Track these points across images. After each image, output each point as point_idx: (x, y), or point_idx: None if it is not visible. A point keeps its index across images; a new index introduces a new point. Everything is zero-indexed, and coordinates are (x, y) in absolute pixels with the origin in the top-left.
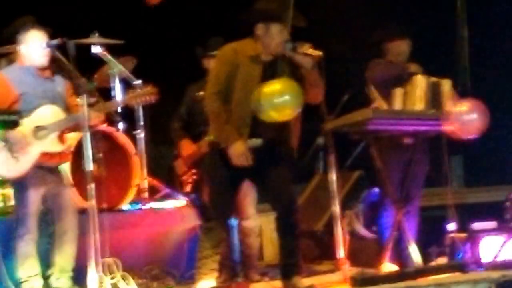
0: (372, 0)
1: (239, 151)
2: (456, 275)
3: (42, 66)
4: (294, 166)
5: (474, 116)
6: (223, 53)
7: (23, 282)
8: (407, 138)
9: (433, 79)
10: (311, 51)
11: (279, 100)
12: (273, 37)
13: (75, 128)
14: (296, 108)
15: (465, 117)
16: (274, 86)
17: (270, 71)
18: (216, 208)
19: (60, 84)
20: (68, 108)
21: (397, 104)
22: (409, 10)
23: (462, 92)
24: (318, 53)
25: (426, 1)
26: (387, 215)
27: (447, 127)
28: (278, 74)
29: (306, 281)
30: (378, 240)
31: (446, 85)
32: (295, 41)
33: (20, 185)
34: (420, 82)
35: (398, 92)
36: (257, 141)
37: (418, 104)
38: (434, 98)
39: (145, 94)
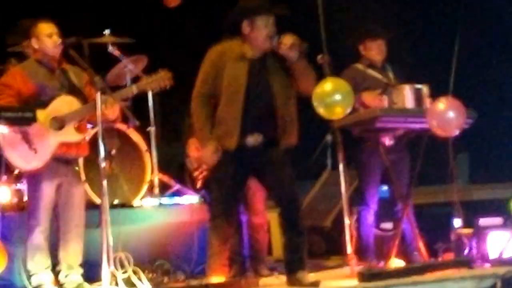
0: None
1: (207, 154)
2: (462, 271)
3: (55, 58)
4: (300, 163)
5: (451, 114)
6: (209, 55)
7: (32, 275)
8: (389, 140)
9: (416, 86)
10: (294, 42)
11: (330, 99)
12: (260, 31)
13: (93, 118)
14: (347, 106)
15: (443, 115)
16: (325, 86)
17: (258, 68)
18: (221, 206)
19: (77, 75)
20: (85, 99)
21: None
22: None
23: (443, 90)
24: (303, 44)
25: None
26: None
27: (431, 125)
28: (267, 70)
29: (313, 276)
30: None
31: (425, 89)
32: (279, 34)
33: (34, 177)
34: (408, 91)
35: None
36: (258, 138)
37: None
38: (419, 103)
39: (159, 79)
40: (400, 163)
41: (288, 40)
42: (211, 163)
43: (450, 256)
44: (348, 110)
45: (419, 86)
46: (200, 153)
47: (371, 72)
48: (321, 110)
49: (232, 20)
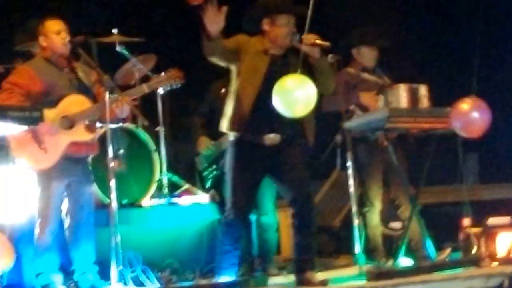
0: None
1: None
2: (471, 270)
3: (64, 55)
4: (310, 163)
5: (476, 115)
6: (237, 35)
7: (40, 274)
8: (385, 140)
9: (412, 85)
10: (318, 41)
11: (291, 97)
12: (280, 29)
13: (103, 117)
14: (308, 105)
15: (467, 116)
16: (286, 83)
17: (279, 65)
18: (236, 205)
19: (86, 73)
20: (95, 97)
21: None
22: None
23: (467, 91)
24: (326, 43)
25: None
26: None
27: (453, 126)
28: (288, 67)
29: (321, 275)
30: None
31: (423, 89)
32: (301, 33)
33: (44, 176)
34: (403, 91)
35: (379, 99)
36: (275, 137)
37: None
38: (414, 103)
39: (170, 77)
40: (397, 164)
41: (311, 37)
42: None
43: (458, 255)
44: (309, 109)
45: (415, 85)
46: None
47: (364, 74)
48: (280, 108)
49: (253, 16)
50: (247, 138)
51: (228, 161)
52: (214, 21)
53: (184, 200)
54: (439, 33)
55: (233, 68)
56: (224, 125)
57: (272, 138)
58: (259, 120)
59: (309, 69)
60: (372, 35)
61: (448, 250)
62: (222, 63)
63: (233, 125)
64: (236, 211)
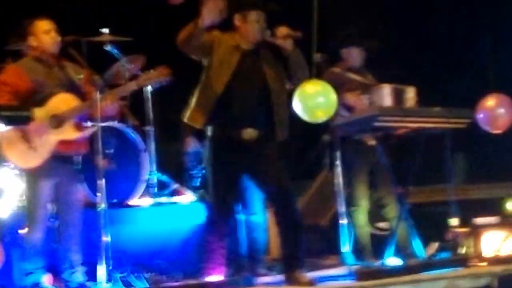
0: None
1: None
2: (459, 270)
3: (54, 55)
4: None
5: (502, 110)
6: (214, 31)
7: (28, 274)
8: (371, 140)
9: (398, 86)
10: (289, 32)
11: (312, 102)
12: (251, 24)
13: (92, 115)
14: (329, 111)
15: (494, 112)
16: (309, 87)
17: (251, 59)
18: (218, 202)
19: (75, 72)
20: (84, 96)
21: None
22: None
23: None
24: (297, 33)
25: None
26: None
27: (478, 122)
28: (260, 62)
29: (309, 275)
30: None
31: (410, 92)
32: (270, 29)
33: (32, 175)
34: (387, 91)
35: (363, 99)
36: (253, 132)
37: None
38: (399, 103)
39: (159, 75)
40: (382, 164)
41: (283, 30)
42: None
43: (446, 255)
44: (331, 115)
45: (400, 86)
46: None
47: (350, 74)
48: (301, 113)
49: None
50: (226, 133)
51: (206, 157)
52: (213, 12)
53: (173, 200)
54: (428, 33)
55: (205, 61)
56: (186, 115)
57: (250, 133)
58: (234, 115)
59: (283, 62)
60: (360, 36)
61: (436, 245)
62: (195, 55)
63: (194, 117)
64: (218, 208)
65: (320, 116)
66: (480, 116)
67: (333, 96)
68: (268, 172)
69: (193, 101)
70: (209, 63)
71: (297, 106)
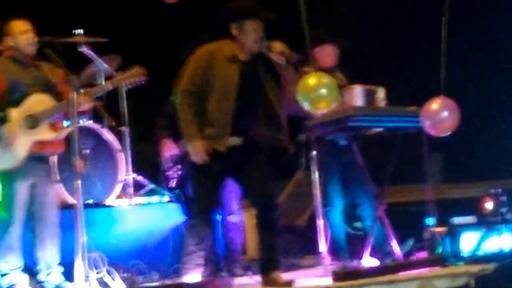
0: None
1: (197, 150)
2: (436, 269)
3: (30, 55)
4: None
5: (445, 114)
6: (199, 54)
7: (4, 275)
8: (343, 139)
9: (368, 86)
10: (283, 49)
11: (315, 94)
12: (249, 34)
13: (67, 115)
14: (332, 101)
15: (437, 115)
16: (310, 80)
17: (249, 70)
18: (200, 204)
19: (51, 72)
20: (59, 96)
21: None
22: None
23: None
24: (291, 52)
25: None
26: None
27: (423, 125)
28: (258, 74)
29: (287, 276)
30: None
31: (381, 92)
32: (268, 40)
33: (8, 175)
34: (358, 91)
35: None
36: (237, 140)
37: None
38: (370, 104)
39: (133, 74)
40: (355, 163)
41: (279, 46)
42: (199, 159)
43: (423, 254)
44: (334, 105)
45: (371, 87)
46: (189, 147)
47: None
48: (305, 105)
49: (221, 21)
50: (212, 142)
51: (189, 164)
52: (199, 157)
53: (149, 200)
54: (401, 33)
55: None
56: (209, 142)
57: (232, 140)
58: (232, 125)
59: (276, 77)
60: (329, 35)
61: (411, 242)
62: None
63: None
64: (199, 212)
65: (323, 107)
66: (424, 119)
67: (335, 87)
68: (251, 176)
69: (208, 121)
70: (211, 88)
71: (300, 98)
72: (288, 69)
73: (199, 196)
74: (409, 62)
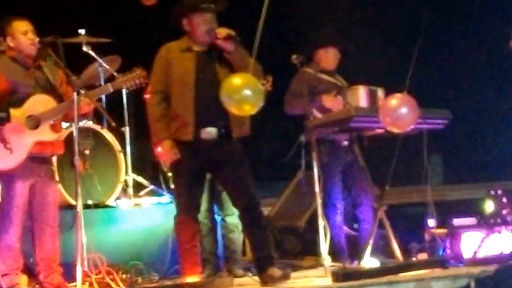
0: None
1: (166, 149)
2: (436, 271)
3: (31, 55)
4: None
5: (404, 110)
6: (159, 53)
7: (3, 275)
8: (344, 140)
9: (371, 87)
10: (228, 32)
11: (239, 95)
12: (198, 27)
13: (68, 116)
14: (256, 104)
15: (396, 111)
16: (235, 81)
17: (204, 61)
18: (182, 201)
19: (52, 73)
20: (61, 97)
21: None
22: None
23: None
24: (230, 31)
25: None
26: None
27: (383, 122)
28: (213, 63)
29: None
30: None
31: (380, 92)
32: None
33: (7, 176)
34: (362, 92)
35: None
36: (211, 131)
37: None
38: (373, 104)
39: (134, 77)
40: (356, 164)
41: (222, 31)
42: (169, 160)
43: (424, 256)
44: (258, 108)
45: (373, 88)
46: (158, 148)
47: (323, 76)
48: (230, 107)
49: (174, 19)
50: (184, 134)
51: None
52: (168, 156)
53: (149, 201)
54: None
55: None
56: (172, 132)
57: (208, 132)
58: (195, 114)
59: (228, 64)
60: (333, 38)
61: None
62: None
63: (184, 131)
64: (184, 209)
65: (247, 109)
66: (383, 116)
67: (259, 89)
68: (231, 173)
69: (172, 116)
70: (170, 78)
71: (224, 99)
72: (236, 52)
73: (181, 193)
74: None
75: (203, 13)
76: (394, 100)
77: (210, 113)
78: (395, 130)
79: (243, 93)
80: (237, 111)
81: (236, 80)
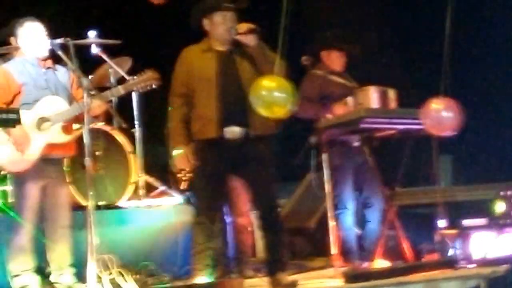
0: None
1: (182, 155)
2: (447, 272)
3: (43, 57)
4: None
5: (449, 114)
6: (180, 57)
7: (15, 276)
8: (354, 140)
9: (382, 88)
10: (249, 26)
11: (270, 97)
12: (218, 26)
13: (79, 118)
14: (287, 106)
15: (440, 115)
16: (267, 83)
17: (226, 60)
18: (204, 202)
19: (64, 75)
20: (72, 99)
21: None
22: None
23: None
24: (251, 25)
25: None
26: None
27: (424, 124)
28: (235, 62)
29: (294, 277)
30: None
31: (391, 93)
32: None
33: (19, 178)
34: (373, 92)
35: (349, 101)
36: (235, 130)
37: None
38: (384, 105)
39: (146, 79)
40: (366, 165)
41: (242, 26)
42: (184, 164)
43: (434, 257)
44: (289, 109)
45: (385, 88)
46: (173, 154)
47: (332, 77)
48: (260, 109)
49: (194, 20)
50: (209, 134)
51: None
52: (182, 164)
53: (160, 202)
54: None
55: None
56: (195, 131)
57: (231, 132)
58: (218, 112)
59: (253, 60)
60: (343, 40)
61: None
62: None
63: (208, 130)
64: (204, 210)
65: (278, 112)
66: (425, 119)
67: (290, 91)
68: (253, 175)
69: (196, 117)
70: (193, 79)
71: (255, 101)
72: (259, 47)
73: (202, 194)
74: (415, 64)
75: (224, 12)
76: (436, 103)
77: (234, 111)
78: (435, 133)
79: (274, 95)
80: (267, 113)
81: (267, 82)
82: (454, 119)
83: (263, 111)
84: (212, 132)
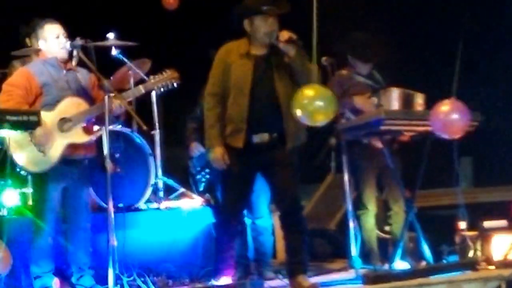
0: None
1: (217, 156)
2: (467, 273)
3: (63, 59)
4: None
5: (456, 116)
6: (218, 54)
7: (36, 278)
8: (378, 142)
9: (407, 91)
10: (291, 36)
11: (312, 105)
12: (259, 29)
13: (100, 119)
14: (328, 114)
15: (447, 117)
16: (308, 92)
17: (263, 68)
18: (228, 204)
19: (84, 76)
20: (93, 100)
21: None
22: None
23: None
24: (292, 35)
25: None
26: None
27: (432, 126)
28: (272, 68)
29: (316, 279)
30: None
31: (419, 98)
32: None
33: (40, 178)
34: (395, 94)
35: (373, 101)
36: (264, 136)
37: None
38: (407, 107)
39: (167, 78)
40: (388, 167)
41: (285, 34)
42: (220, 164)
43: (455, 258)
44: (331, 117)
45: (411, 91)
46: (210, 154)
47: (358, 77)
48: (302, 117)
49: (235, 19)
50: (237, 138)
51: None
52: (219, 164)
53: (179, 204)
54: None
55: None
56: (226, 137)
57: (260, 138)
58: (248, 120)
59: (289, 68)
60: (368, 52)
61: None
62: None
63: (235, 138)
64: (228, 211)
65: (320, 119)
66: (434, 122)
67: (331, 99)
68: (277, 177)
69: (227, 119)
70: (228, 81)
71: (297, 111)
72: (297, 56)
73: (228, 196)
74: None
75: (266, 16)
76: (445, 106)
77: (264, 121)
78: (446, 136)
79: (316, 104)
80: (310, 122)
81: (309, 91)
82: (462, 121)
83: (306, 120)
84: (240, 142)
